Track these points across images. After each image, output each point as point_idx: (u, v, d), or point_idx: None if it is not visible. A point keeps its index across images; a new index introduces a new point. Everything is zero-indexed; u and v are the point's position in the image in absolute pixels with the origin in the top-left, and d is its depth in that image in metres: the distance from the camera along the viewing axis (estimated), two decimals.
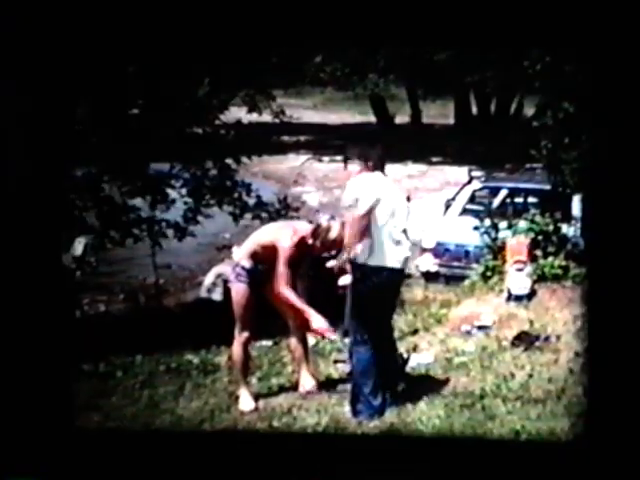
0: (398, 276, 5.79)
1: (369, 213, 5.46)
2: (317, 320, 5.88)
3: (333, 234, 5.87)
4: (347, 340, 6.08)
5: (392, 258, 5.58)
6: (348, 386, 6.08)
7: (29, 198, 4.31)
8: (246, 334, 6.10)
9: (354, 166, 5.67)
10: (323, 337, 5.98)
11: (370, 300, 5.58)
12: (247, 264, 6.06)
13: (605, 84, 3.91)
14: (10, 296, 4.32)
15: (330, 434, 5.44)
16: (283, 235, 6.02)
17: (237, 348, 6.12)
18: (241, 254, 6.13)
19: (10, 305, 4.33)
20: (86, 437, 4.61)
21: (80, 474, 4.25)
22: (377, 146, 5.83)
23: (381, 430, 5.41)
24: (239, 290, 6.07)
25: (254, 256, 6.06)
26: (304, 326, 6.16)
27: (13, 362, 4.34)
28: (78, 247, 10.94)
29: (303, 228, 6.06)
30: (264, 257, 6.03)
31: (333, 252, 8.08)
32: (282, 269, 5.90)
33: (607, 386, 3.94)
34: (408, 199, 5.86)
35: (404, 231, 5.64)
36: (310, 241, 5.94)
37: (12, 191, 4.27)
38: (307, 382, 6.23)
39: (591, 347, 3.99)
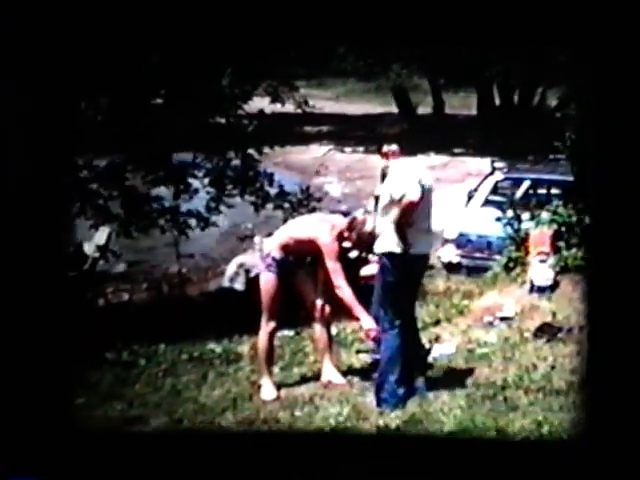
0: (425, 261, 5.88)
1: (421, 198, 5.49)
2: (367, 321, 5.89)
3: (369, 227, 5.88)
4: None
5: (420, 244, 5.63)
6: (370, 376, 6.11)
7: (38, 189, 4.33)
8: (273, 324, 6.12)
9: (390, 148, 5.69)
10: (374, 340, 5.98)
11: (400, 286, 5.61)
12: (278, 255, 6.08)
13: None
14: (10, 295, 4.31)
15: (340, 432, 5.39)
16: (322, 230, 6.03)
17: (263, 337, 6.14)
18: (273, 245, 6.14)
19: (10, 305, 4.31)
20: (88, 438, 4.60)
21: (82, 475, 4.25)
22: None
23: (403, 420, 5.42)
24: (268, 280, 6.08)
25: (286, 248, 6.08)
26: (330, 316, 6.20)
27: (14, 365, 4.32)
28: (101, 236, 11.01)
29: (340, 222, 6.07)
30: (296, 250, 6.05)
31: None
32: (333, 265, 5.92)
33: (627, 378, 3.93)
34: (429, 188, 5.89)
35: (430, 217, 5.70)
36: (346, 234, 5.97)
37: (25, 183, 4.29)
38: (329, 372, 6.24)
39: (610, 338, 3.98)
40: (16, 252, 4.35)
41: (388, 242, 5.59)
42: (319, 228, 6.05)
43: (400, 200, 5.48)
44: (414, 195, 5.45)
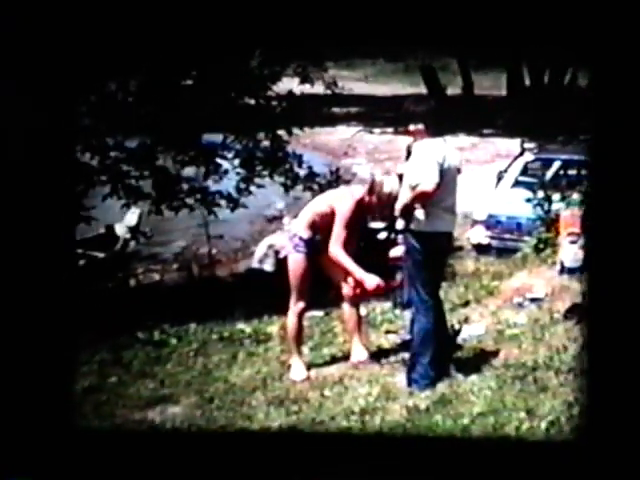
0: (448, 240, 5.90)
1: (436, 188, 5.49)
2: (370, 279, 5.93)
3: (388, 188, 5.91)
4: (406, 312, 6.11)
5: (446, 223, 5.66)
6: (399, 356, 6.13)
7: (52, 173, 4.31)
8: (301, 304, 6.14)
9: (417, 127, 5.70)
10: (383, 292, 6.02)
11: (427, 265, 5.62)
12: (305, 234, 6.10)
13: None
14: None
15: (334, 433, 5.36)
16: (341, 199, 6.09)
17: (292, 318, 6.17)
18: (299, 225, 6.17)
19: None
20: (86, 437, 4.60)
21: (82, 475, 4.25)
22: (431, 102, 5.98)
23: (432, 401, 5.43)
24: (297, 260, 6.10)
25: (312, 226, 6.11)
26: (359, 296, 6.22)
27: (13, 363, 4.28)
28: (132, 217, 11.11)
29: (359, 191, 6.10)
30: (322, 226, 6.08)
31: (385, 223, 8.13)
32: (339, 230, 5.97)
33: None
34: (458, 171, 5.87)
35: (454, 196, 5.71)
36: (367, 199, 5.99)
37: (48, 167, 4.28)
38: (359, 352, 6.27)
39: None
40: (37, 236, 4.35)
41: (412, 221, 5.62)
42: (338, 197, 6.15)
43: (415, 187, 5.51)
44: (428, 185, 5.46)
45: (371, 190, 5.98)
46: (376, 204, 6.00)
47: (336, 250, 5.95)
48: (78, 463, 4.13)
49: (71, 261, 4.55)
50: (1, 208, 4.10)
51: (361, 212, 6.04)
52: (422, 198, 5.51)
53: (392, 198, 5.84)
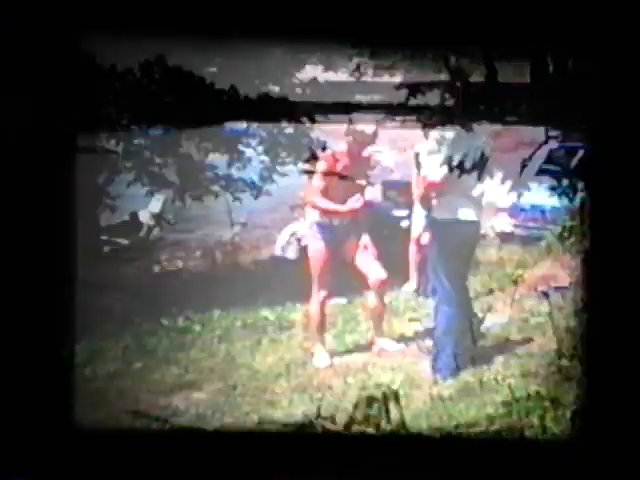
0: (474, 228, 5.92)
1: (444, 179, 5.49)
2: (351, 203, 6.08)
3: (360, 127, 5.95)
4: (430, 300, 6.12)
5: (471, 212, 5.65)
6: (423, 344, 6.14)
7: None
8: (324, 293, 6.16)
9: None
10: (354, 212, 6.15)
11: (452, 254, 5.62)
12: (320, 220, 6.12)
13: None
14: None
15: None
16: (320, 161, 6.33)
17: (314, 306, 6.19)
18: (313, 211, 6.19)
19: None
20: (85, 436, 4.61)
21: (79, 475, 4.25)
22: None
23: (456, 389, 5.44)
24: (316, 248, 6.12)
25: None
26: (383, 284, 6.23)
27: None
28: (156, 204, 11.10)
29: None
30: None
31: (407, 211, 8.11)
32: (314, 181, 6.22)
33: None
34: (483, 157, 5.86)
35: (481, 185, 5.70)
36: (345, 148, 5.95)
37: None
38: (382, 340, 6.27)
39: None
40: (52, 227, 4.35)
41: (437, 210, 5.61)
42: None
43: (425, 178, 5.53)
44: (435, 176, 5.47)
45: (347, 132, 6.05)
46: (354, 146, 5.99)
47: (310, 197, 6.17)
48: (78, 463, 4.13)
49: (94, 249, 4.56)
50: (24, 197, 4.13)
51: (337, 161, 6.20)
52: (431, 188, 5.53)
53: (368, 139, 6.18)
